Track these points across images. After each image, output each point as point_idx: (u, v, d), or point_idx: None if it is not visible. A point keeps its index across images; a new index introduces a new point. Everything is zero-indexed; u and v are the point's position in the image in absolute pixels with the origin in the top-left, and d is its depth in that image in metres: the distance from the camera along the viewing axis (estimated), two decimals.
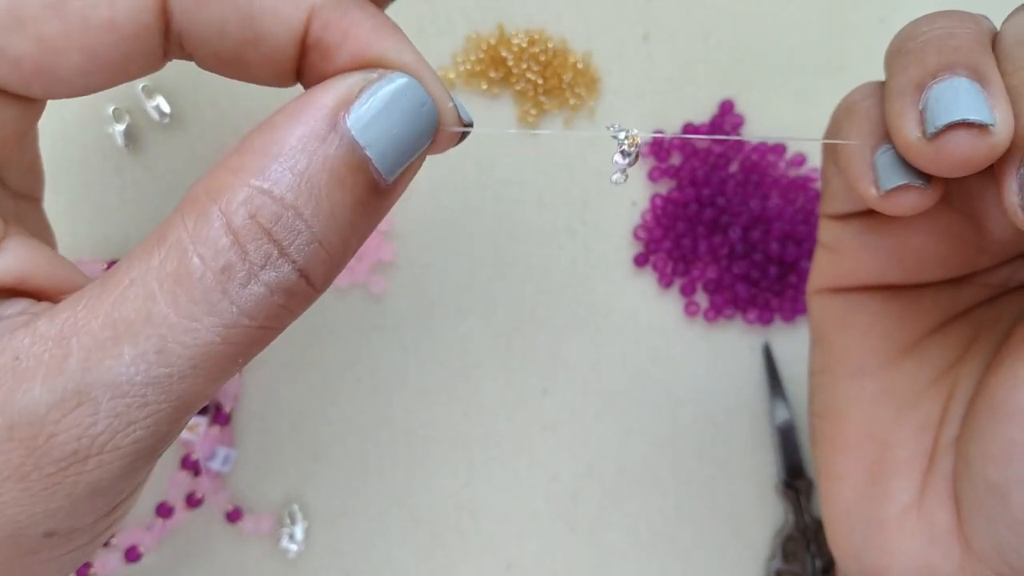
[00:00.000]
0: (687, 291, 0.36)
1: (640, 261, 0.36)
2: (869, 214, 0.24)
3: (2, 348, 0.16)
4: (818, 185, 0.37)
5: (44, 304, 0.17)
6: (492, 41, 0.36)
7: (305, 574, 0.34)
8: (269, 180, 0.15)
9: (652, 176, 0.36)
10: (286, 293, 0.16)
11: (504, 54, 0.36)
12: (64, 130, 0.33)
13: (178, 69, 0.19)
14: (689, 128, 0.37)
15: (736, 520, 0.36)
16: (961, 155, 0.18)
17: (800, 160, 0.37)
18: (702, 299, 0.36)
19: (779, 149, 0.37)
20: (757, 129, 0.37)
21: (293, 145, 0.15)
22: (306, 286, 0.16)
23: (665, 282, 0.36)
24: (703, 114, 0.37)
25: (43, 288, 0.17)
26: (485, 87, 0.37)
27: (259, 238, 0.15)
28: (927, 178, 0.20)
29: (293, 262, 0.15)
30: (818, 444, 0.26)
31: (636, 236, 0.36)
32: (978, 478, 0.21)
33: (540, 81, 0.36)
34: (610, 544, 0.35)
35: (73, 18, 0.15)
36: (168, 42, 0.17)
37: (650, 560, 0.35)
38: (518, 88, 0.36)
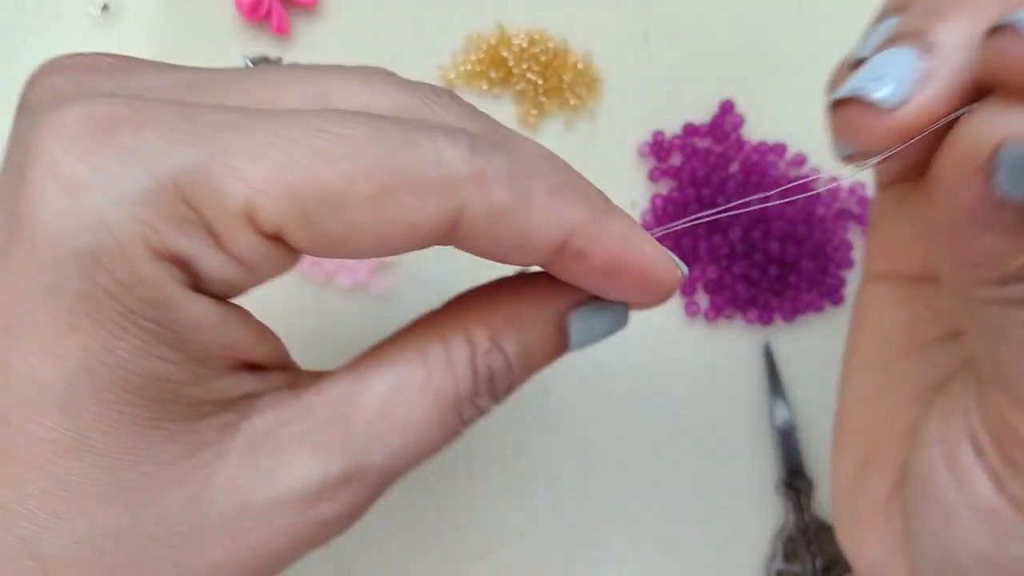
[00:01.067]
0: (687, 291, 0.36)
1: None
2: (909, 182, 0.23)
3: (279, 418, 0.18)
4: (817, 186, 0.37)
5: (292, 373, 0.20)
6: (492, 41, 0.36)
7: (305, 573, 0.34)
8: (507, 345, 0.20)
9: (652, 176, 0.36)
10: (487, 411, 0.20)
11: (504, 54, 0.36)
12: None
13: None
14: (689, 128, 0.37)
15: (736, 520, 0.36)
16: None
17: (800, 160, 0.37)
18: (702, 299, 0.36)
19: (779, 149, 0.37)
20: (757, 129, 0.37)
21: (529, 323, 0.20)
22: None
23: None
24: (703, 114, 0.37)
25: (270, 361, 0.19)
26: (485, 87, 0.37)
27: (487, 381, 0.20)
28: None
29: (497, 400, 0.20)
30: (833, 432, 0.26)
31: None
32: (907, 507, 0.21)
33: (540, 81, 0.36)
34: (610, 544, 0.35)
35: (386, 215, 0.17)
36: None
37: (650, 560, 0.35)
38: (518, 88, 0.36)
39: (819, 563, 0.34)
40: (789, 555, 0.35)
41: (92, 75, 0.18)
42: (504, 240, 0.18)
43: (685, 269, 0.20)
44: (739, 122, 0.37)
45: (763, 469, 0.36)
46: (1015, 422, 0.18)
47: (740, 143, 0.37)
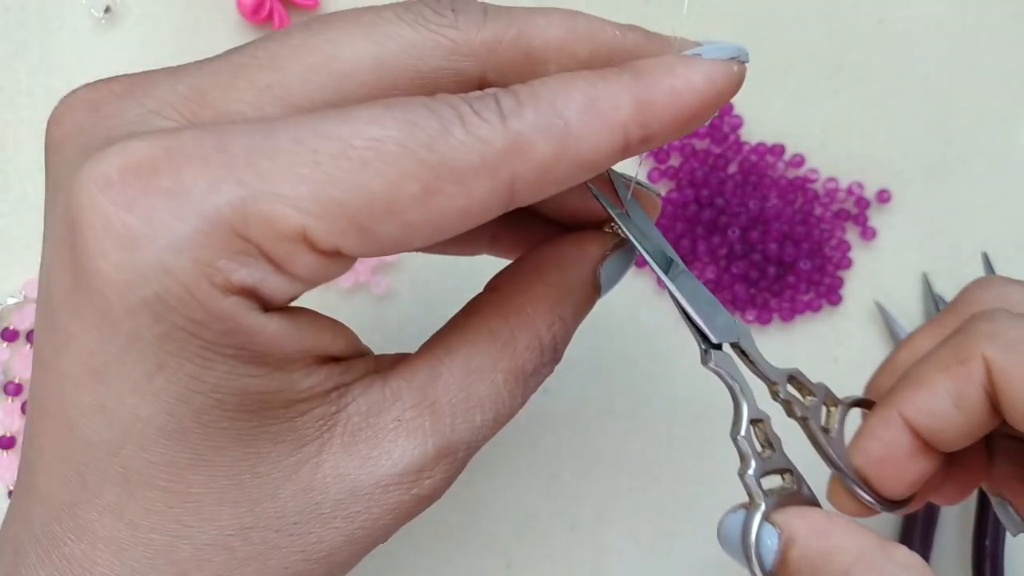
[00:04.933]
0: None
1: (639, 261, 0.36)
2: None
3: (372, 406, 0.20)
4: (817, 185, 0.37)
5: (372, 358, 0.21)
6: None
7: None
8: (563, 314, 0.22)
9: (651, 177, 0.37)
10: (545, 378, 0.22)
11: None
12: None
13: None
14: None
15: None
16: None
17: (799, 161, 0.37)
18: None
19: (777, 150, 0.37)
20: (756, 130, 0.37)
21: (575, 286, 0.22)
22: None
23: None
24: None
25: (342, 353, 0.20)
26: None
27: (552, 349, 0.22)
28: None
29: (559, 358, 0.22)
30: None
31: None
32: None
33: None
34: (610, 543, 0.35)
35: (435, 208, 0.17)
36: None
37: (650, 560, 0.35)
38: None
39: None
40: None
41: (109, 104, 0.19)
42: (567, 179, 0.18)
43: (742, 53, 0.20)
44: (738, 123, 0.37)
45: None
46: None
47: (739, 144, 0.37)
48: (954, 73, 0.38)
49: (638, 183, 0.23)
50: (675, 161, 0.37)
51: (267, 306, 0.18)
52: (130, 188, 0.16)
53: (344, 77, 0.18)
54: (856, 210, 0.37)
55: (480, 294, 0.22)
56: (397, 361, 0.21)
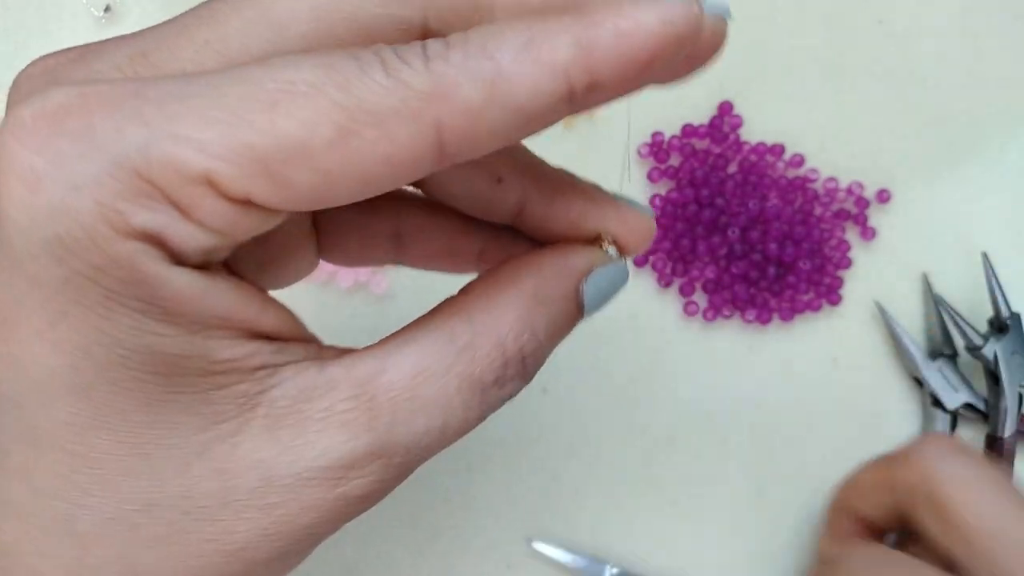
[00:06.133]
0: (686, 291, 0.36)
1: (639, 261, 0.36)
2: None
3: (302, 391, 0.18)
4: (817, 185, 0.37)
5: (315, 347, 0.20)
6: None
7: (306, 572, 0.35)
8: (535, 326, 0.20)
9: (651, 177, 0.37)
10: (511, 396, 0.21)
11: None
12: None
13: None
14: (688, 129, 0.37)
15: (736, 520, 0.36)
16: None
17: (799, 161, 0.37)
18: (701, 299, 0.36)
19: (777, 150, 0.37)
20: (755, 130, 0.37)
21: (553, 298, 0.20)
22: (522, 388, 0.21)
23: (664, 282, 0.36)
24: (702, 115, 0.37)
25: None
26: None
27: (518, 362, 0.20)
28: None
29: (529, 377, 0.20)
30: None
31: None
32: None
33: None
34: (610, 544, 0.35)
35: (353, 154, 0.16)
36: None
37: (650, 560, 0.35)
38: None
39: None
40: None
41: (64, 68, 0.19)
42: (504, 129, 0.17)
43: (717, 6, 0.18)
44: (738, 123, 0.37)
45: (762, 468, 0.36)
46: None
47: (739, 144, 0.37)
48: (954, 73, 0.38)
49: (625, 199, 0.22)
50: (675, 161, 0.37)
51: (178, 259, 0.17)
52: (40, 131, 0.16)
53: (281, 28, 0.18)
54: (856, 210, 0.37)
55: (450, 296, 0.21)
56: (346, 352, 0.19)
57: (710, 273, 0.36)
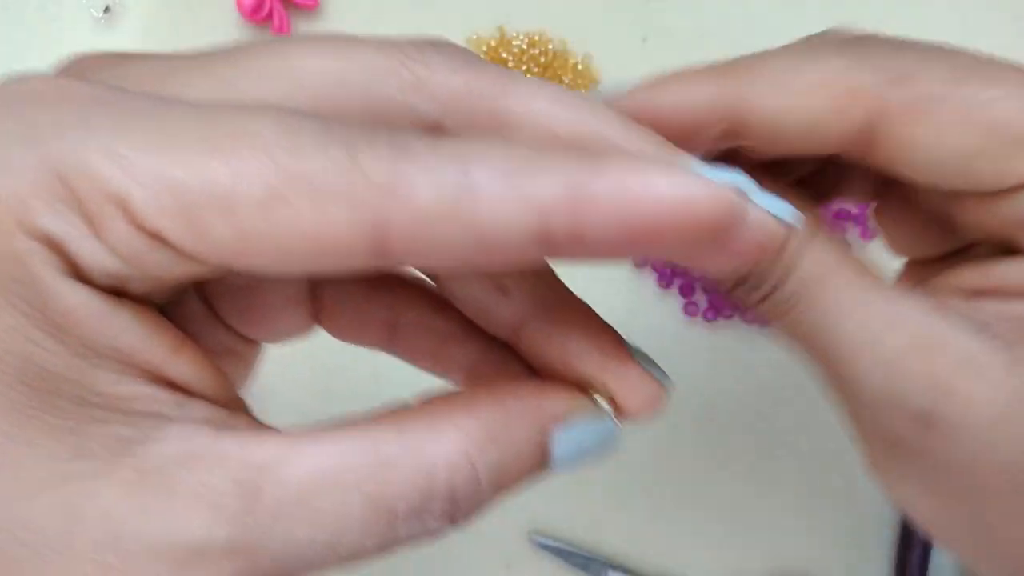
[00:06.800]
0: (686, 291, 0.36)
1: (639, 261, 0.36)
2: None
3: (183, 455, 0.16)
4: None
5: (225, 413, 0.17)
6: (492, 43, 0.37)
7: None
8: (477, 465, 0.17)
9: None
10: (432, 537, 0.18)
11: (504, 56, 0.37)
12: None
13: None
14: None
15: (736, 520, 0.36)
16: None
17: None
18: (701, 299, 0.36)
19: None
20: None
21: (510, 440, 0.17)
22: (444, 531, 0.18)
23: (664, 282, 0.36)
24: None
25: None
26: None
27: (447, 501, 0.17)
28: None
29: (458, 522, 0.18)
30: None
31: None
32: None
33: None
34: (610, 544, 0.35)
35: (280, 222, 0.15)
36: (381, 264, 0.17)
37: (650, 560, 0.35)
38: None
39: None
40: None
41: (94, 70, 0.18)
42: (461, 248, 0.15)
43: (735, 181, 0.16)
44: None
45: (762, 469, 0.36)
46: None
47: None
48: None
49: (642, 355, 0.19)
50: None
51: (81, 275, 0.16)
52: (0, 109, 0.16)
53: (296, 84, 0.17)
54: (856, 210, 0.37)
55: (405, 403, 0.18)
56: (256, 429, 0.17)
57: None
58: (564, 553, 0.35)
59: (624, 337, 0.20)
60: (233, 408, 0.18)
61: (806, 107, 0.20)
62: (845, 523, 0.36)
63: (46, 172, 0.15)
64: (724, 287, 0.21)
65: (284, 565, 0.16)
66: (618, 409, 0.19)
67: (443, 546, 0.35)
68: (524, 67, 0.37)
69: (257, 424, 0.18)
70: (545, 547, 0.35)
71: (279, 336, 0.22)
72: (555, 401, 0.18)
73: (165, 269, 0.16)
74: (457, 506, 0.17)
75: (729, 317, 0.36)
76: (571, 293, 0.20)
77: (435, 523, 0.17)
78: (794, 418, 0.36)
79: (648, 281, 0.36)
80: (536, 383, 0.19)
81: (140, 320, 0.16)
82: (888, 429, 0.20)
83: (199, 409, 0.17)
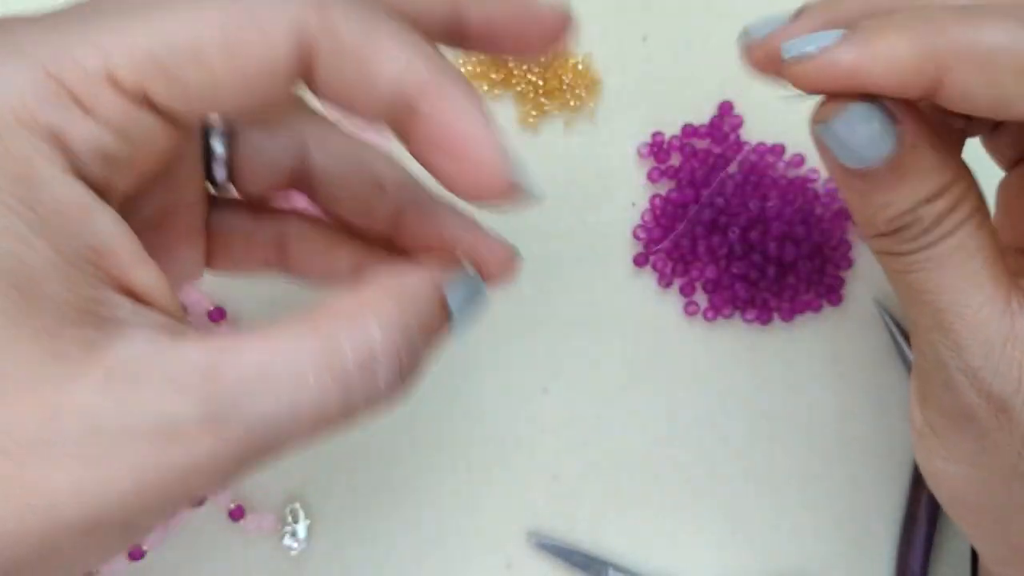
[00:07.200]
0: (686, 291, 0.36)
1: (639, 261, 0.36)
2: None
3: (148, 355, 0.18)
4: (817, 185, 0.37)
5: (175, 322, 0.19)
6: None
7: (307, 572, 0.35)
8: (406, 320, 0.20)
9: (651, 177, 0.37)
10: (388, 392, 0.20)
11: (504, 56, 0.37)
12: None
13: None
14: (688, 129, 0.37)
15: (736, 520, 0.36)
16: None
17: (799, 161, 0.37)
18: (701, 299, 0.36)
19: (778, 150, 0.37)
20: (756, 130, 0.37)
21: (419, 297, 0.21)
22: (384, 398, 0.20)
23: (664, 282, 0.36)
24: (702, 115, 0.37)
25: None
26: (486, 88, 0.37)
27: (391, 355, 0.20)
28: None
29: (405, 374, 0.20)
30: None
31: (635, 236, 0.36)
32: None
33: (540, 82, 0.37)
34: (610, 544, 0.35)
35: (240, 57, 0.18)
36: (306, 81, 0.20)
37: (650, 560, 0.35)
38: (519, 89, 0.37)
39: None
40: None
41: None
42: (351, 78, 0.19)
43: (520, 177, 0.21)
44: (738, 123, 0.37)
45: (762, 468, 0.36)
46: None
47: (739, 144, 0.37)
48: None
49: (497, 236, 0.25)
50: (675, 161, 0.37)
51: (77, 169, 0.18)
52: None
53: None
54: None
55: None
56: (211, 333, 0.20)
57: (710, 273, 0.36)
58: (564, 553, 0.35)
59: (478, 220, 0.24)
60: (180, 317, 0.20)
61: (1014, 96, 0.21)
62: (845, 523, 0.36)
63: (37, 72, 0.17)
64: (877, 230, 0.24)
65: (257, 436, 0.18)
66: (482, 272, 0.23)
67: (443, 546, 0.35)
68: (525, 66, 0.37)
69: (205, 332, 0.20)
70: (545, 547, 0.35)
71: (172, 278, 0.23)
72: (439, 268, 0.22)
73: (149, 138, 0.19)
74: (403, 365, 0.20)
75: (729, 317, 0.36)
76: (433, 191, 0.24)
77: (386, 377, 0.19)
78: (794, 418, 0.36)
79: (648, 281, 0.36)
80: (420, 259, 0.23)
81: (118, 223, 0.18)
82: (965, 404, 0.23)
83: (154, 317, 0.19)
